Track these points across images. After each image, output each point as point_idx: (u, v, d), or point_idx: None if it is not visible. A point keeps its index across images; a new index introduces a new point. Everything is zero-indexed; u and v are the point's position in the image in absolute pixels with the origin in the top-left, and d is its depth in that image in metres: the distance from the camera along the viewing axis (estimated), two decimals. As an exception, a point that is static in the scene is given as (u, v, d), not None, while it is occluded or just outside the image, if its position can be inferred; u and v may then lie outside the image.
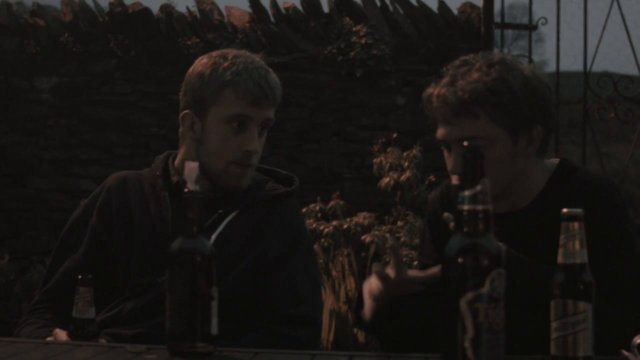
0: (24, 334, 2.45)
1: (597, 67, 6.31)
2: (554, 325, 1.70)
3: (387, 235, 5.52)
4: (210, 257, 1.90)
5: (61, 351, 2.01)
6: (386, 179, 5.78)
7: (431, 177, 5.95)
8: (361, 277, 5.70)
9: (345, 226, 5.65)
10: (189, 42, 6.79)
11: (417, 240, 5.53)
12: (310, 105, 6.71)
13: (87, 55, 6.95)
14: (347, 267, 5.64)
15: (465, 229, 1.61)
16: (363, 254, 5.78)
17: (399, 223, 5.74)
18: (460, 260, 1.59)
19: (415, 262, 5.24)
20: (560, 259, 1.71)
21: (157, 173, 2.59)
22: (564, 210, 1.69)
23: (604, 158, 6.36)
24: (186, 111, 2.53)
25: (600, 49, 6.15)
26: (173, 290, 1.90)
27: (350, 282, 5.61)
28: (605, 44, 6.16)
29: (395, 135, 6.07)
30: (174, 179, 2.56)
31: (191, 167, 1.91)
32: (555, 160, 2.40)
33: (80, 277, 2.21)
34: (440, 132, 2.28)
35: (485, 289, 1.56)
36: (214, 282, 1.89)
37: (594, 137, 6.21)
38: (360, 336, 5.44)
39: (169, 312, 1.89)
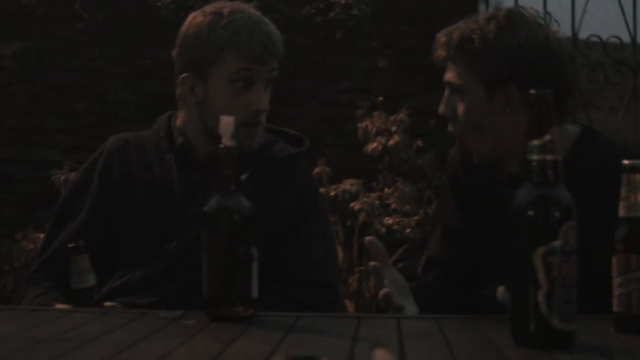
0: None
1: (585, 29, 6.16)
2: (617, 281, 1.67)
3: (377, 202, 5.37)
4: (249, 215, 1.80)
5: (91, 318, 1.87)
6: (373, 144, 5.56)
7: (418, 142, 5.72)
8: (348, 246, 5.58)
9: (332, 193, 5.41)
10: (159, 3, 6.48)
11: (408, 207, 5.39)
12: (288, 68, 6.39)
13: (51, 19, 6.62)
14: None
15: (534, 180, 1.55)
16: (349, 222, 5.60)
17: (387, 190, 5.54)
18: (530, 212, 1.53)
19: (408, 230, 5.20)
20: (622, 213, 1.68)
21: (161, 134, 2.47)
22: (625, 161, 1.68)
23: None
24: (185, 74, 2.40)
25: (587, 9, 5.98)
26: (210, 252, 1.80)
27: (338, 252, 5.43)
28: (592, 4, 5.97)
29: (381, 98, 5.84)
30: (179, 140, 2.44)
31: (227, 122, 1.83)
32: (576, 128, 2.33)
33: (72, 245, 2.09)
34: None
35: (558, 242, 1.51)
36: (254, 242, 1.79)
37: (585, 102, 6.07)
38: (350, 307, 5.30)
39: (206, 276, 1.79)
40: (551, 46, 2.23)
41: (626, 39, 6.04)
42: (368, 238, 2.16)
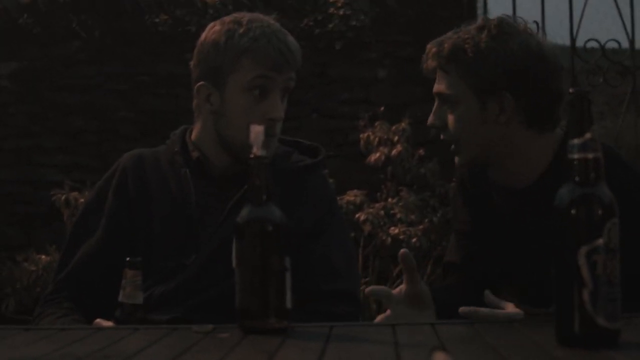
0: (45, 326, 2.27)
1: (583, 33, 6.15)
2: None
3: (381, 212, 5.36)
4: (281, 225, 1.78)
5: (123, 335, 1.83)
6: (376, 154, 5.54)
7: (420, 151, 5.71)
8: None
9: (336, 205, 5.36)
10: (157, 20, 6.47)
11: (413, 217, 5.38)
12: (288, 81, 6.40)
13: (49, 38, 6.60)
14: (339, 247, 5.42)
15: (576, 179, 1.55)
16: (353, 233, 5.56)
17: (391, 200, 5.52)
18: (573, 211, 1.53)
19: (414, 239, 5.19)
20: None
21: (176, 149, 2.45)
22: None
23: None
24: (201, 83, 2.38)
25: (585, 13, 5.98)
26: (243, 263, 1.77)
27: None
28: (590, 8, 5.97)
29: (382, 108, 5.83)
30: (194, 154, 2.42)
31: (257, 131, 1.79)
32: (561, 131, 2.30)
33: (128, 259, 2.07)
34: None
35: (602, 241, 1.51)
36: (287, 252, 1.76)
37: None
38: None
39: (239, 287, 1.76)
40: (544, 53, 2.24)
41: (624, 42, 6.05)
42: (402, 251, 2.15)
